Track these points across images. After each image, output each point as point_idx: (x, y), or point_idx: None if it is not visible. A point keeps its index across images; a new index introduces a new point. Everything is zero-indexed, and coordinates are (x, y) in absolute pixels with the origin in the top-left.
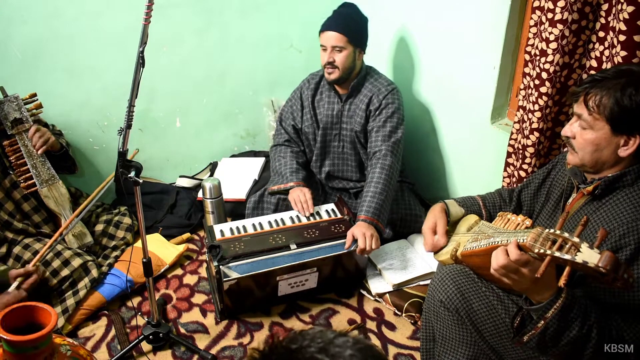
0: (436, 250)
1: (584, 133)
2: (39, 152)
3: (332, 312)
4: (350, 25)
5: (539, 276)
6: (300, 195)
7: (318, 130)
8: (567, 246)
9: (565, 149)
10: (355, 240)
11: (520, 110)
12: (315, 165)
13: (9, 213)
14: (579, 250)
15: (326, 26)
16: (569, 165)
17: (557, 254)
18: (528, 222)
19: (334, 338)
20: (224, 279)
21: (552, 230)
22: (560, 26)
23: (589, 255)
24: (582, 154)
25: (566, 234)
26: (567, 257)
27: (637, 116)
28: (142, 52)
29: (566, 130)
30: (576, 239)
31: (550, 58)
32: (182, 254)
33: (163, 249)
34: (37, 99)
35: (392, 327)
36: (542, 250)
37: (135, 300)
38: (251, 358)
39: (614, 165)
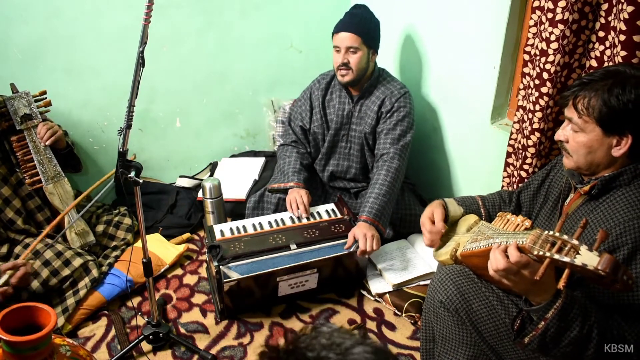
0: (435, 242)
1: (576, 136)
2: (47, 143)
3: (332, 312)
4: (364, 26)
5: (538, 278)
6: (296, 197)
7: (327, 131)
8: (567, 248)
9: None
10: (356, 241)
11: (520, 110)
12: (319, 164)
13: (16, 210)
14: (578, 253)
15: (340, 27)
16: (566, 167)
17: (557, 256)
18: (527, 222)
19: (351, 347)
20: (224, 280)
21: (551, 232)
22: (560, 26)
23: (588, 258)
24: (577, 156)
25: (565, 236)
26: (567, 259)
27: (626, 116)
28: (142, 52)
29: (559, 135)
30: (575, 242)
31: (551, 58)
32: (182, 254)
33: (163, 249)
34: (47, 97)
35: (392, 327)
36: (541, 253)
37: (135, 300)
38: (266, 357)
39: (609, 166)
